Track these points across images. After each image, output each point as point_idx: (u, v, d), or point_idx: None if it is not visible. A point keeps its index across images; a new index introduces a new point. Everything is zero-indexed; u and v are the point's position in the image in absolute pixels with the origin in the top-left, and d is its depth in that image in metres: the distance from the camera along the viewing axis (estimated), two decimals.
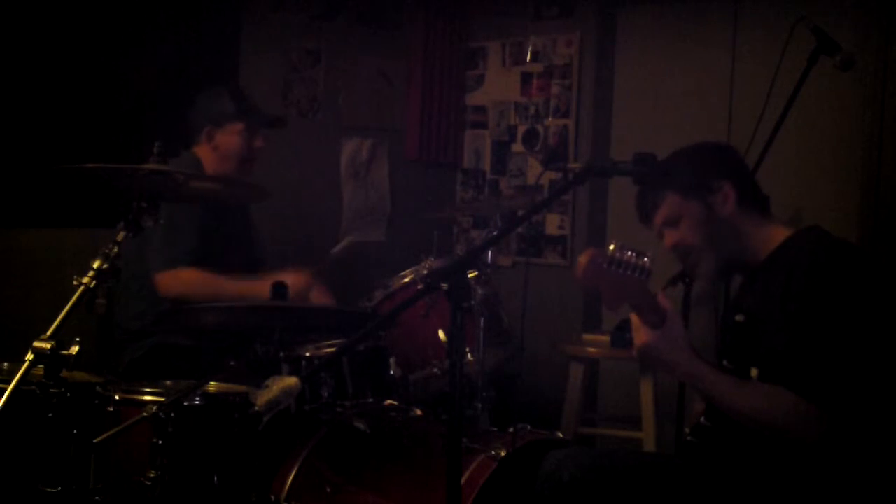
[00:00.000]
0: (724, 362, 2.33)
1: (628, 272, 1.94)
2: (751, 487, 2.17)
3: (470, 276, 2.78)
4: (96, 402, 2.32)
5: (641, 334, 2.10)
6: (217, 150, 3.42)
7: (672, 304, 2.12)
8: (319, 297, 3.36)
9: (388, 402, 3.01)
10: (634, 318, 2.11)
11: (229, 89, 3.50)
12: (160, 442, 2.28)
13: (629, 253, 1.95)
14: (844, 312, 2.05)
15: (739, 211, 2.26)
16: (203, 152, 3.43)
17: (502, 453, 2.62)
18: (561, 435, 2.91)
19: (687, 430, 2.47)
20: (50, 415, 2.19)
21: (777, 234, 2.25)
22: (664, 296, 2.10)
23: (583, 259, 1.96)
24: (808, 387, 2.01)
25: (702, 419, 2.37)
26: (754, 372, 2.15)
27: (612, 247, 1.95)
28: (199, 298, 3.09)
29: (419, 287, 3.11)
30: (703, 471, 2.28)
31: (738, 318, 2.26)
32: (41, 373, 2.08)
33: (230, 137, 3.41)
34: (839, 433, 2.02)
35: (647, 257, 1.96)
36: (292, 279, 3.01)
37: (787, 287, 2.09)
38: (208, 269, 3.22)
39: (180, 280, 3.21)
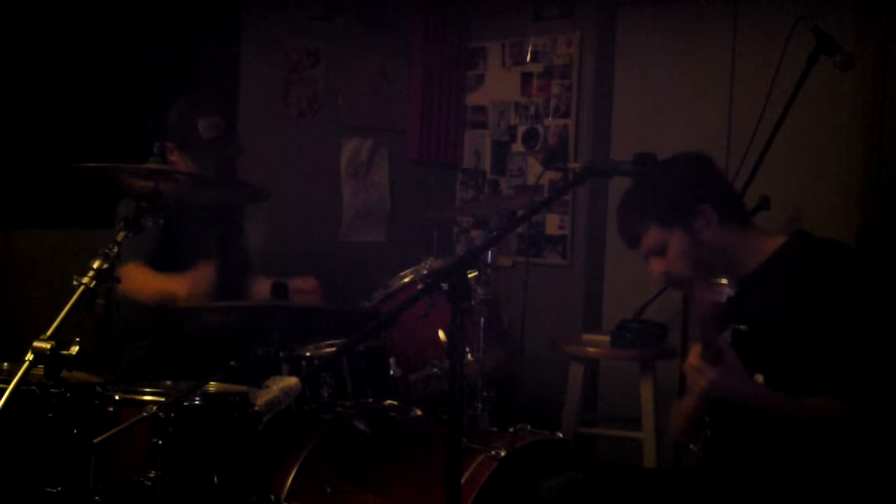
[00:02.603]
0: None
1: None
2: (763, 493, 2.17)
3: (470, 276, 2.77)
4: (96, 402, 2.31)
5: (708, 373, 2.10)
6: (175, 165, 3.26)
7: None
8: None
9: (388, 402, 3.01)
10: (693, 359, 2.12)
11: (180, 111, 3.30)
12: (160, 442, 2.27)
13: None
14: (866, 313, 2.07)
15: (723, 229, 2.23)
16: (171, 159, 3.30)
17: (502, 453, 2.62)
18: (561, 435, 2.91)
19: (693, 447, 2.47)
20: (50, 415, 2.19)
21: (767, 243, 2.24)
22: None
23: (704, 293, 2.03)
24: (843, 388, 2.03)
25: (707, 432, 2.36)
26: (760, 378, 2.15)
27: (723, 280, 2.01)
28: (137, 295, 3.10)
29: (419, 287, 3.10)
30: (713, 483, 2.28)
31: (741, 327, 2.25)
32: (41, 373, 2.08)
33: (178, 161, 3.26)
34: (867, 428, 2.05)
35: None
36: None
37: (801, 294, 2.09)
38: (150, 269, 3.14)
39: (126, 275, 3.13)
